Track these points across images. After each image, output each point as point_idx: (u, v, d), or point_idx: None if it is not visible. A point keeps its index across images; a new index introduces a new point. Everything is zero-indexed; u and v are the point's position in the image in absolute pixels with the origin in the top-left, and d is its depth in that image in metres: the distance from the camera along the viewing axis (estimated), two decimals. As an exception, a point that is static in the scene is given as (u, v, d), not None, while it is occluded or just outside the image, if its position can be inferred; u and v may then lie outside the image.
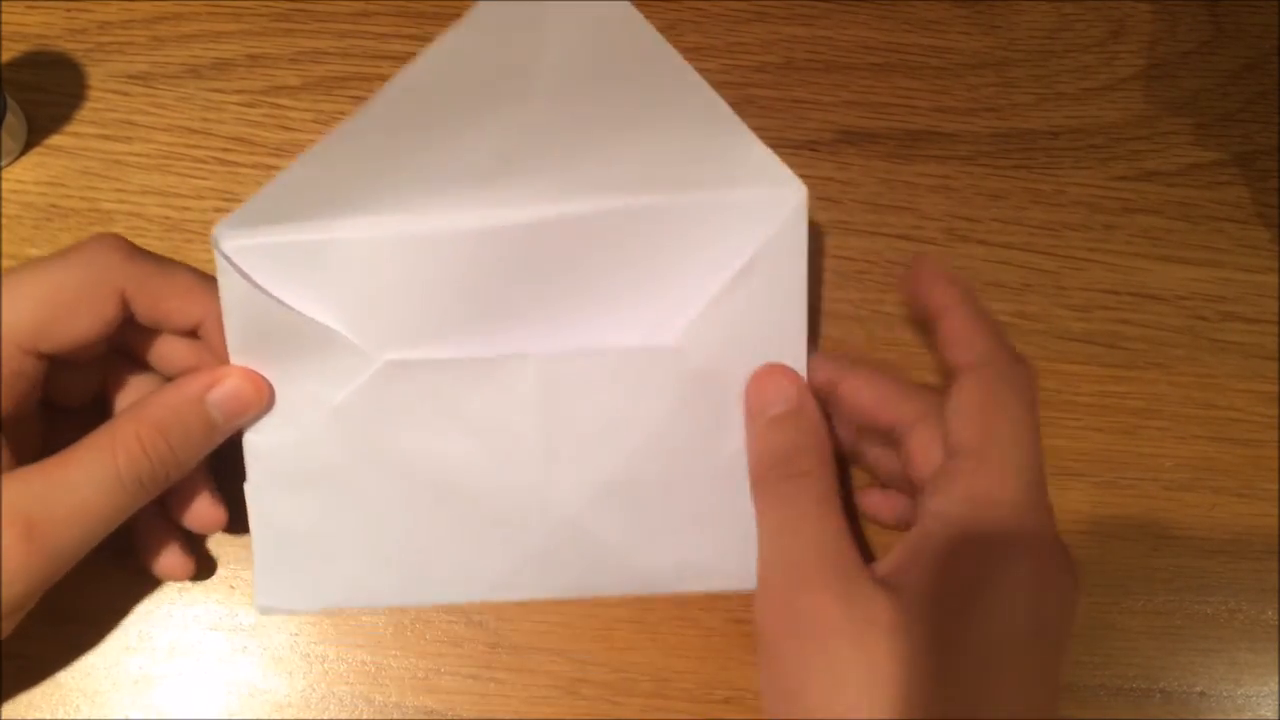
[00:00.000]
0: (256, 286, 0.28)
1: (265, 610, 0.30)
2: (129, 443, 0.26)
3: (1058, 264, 0.37)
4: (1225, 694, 0.34)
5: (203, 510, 0.30)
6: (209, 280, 0.28)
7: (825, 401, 0.31)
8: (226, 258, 0.28)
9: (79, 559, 0.26)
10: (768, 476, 0.29)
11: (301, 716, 0.31)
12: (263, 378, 0.29)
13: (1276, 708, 0.34)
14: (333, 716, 0.31)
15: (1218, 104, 0.40)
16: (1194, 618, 0.34)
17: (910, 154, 0.38)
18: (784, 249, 0.30)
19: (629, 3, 0.25)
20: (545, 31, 0.25)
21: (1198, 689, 0.34)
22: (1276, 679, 0.34)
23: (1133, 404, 0.36)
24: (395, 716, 0.31)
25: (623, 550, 0.31)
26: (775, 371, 0.30)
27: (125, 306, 0.28)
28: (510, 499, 0.30)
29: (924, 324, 0.29)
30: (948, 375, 0.29)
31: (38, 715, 0.30)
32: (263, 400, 0.29)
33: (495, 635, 0.32)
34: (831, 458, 0.29)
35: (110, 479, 0.26)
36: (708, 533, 0.31)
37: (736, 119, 0.29)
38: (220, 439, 0.29)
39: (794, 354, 0.30)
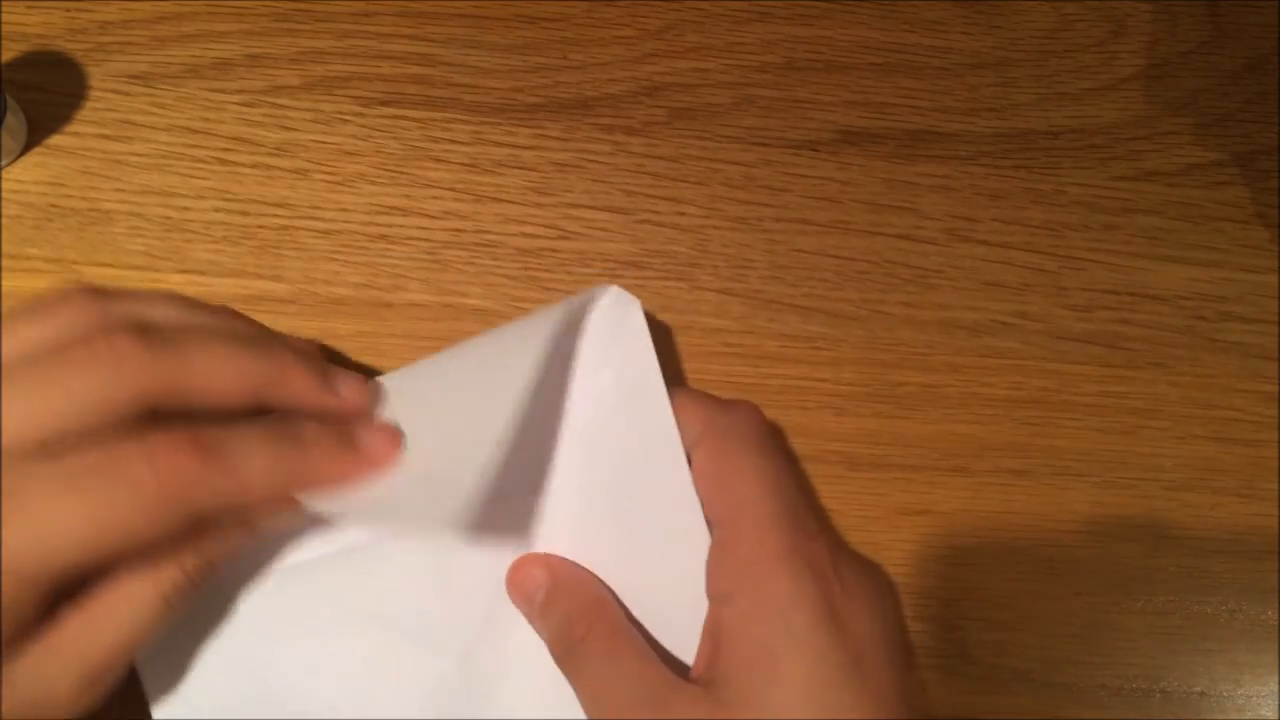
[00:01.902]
0: None
1: None
2: (175, 582, 0.24)
3: (1058, 264, 0.37)
4: (1225, 694, 0.34)
5: None
6: (244, 342, 0.25)
7: None
8: None
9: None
10: (559, 657, 0.28)
11: (302, 716, 0.31)
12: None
13: (1276, 708, 0.34)
14: (333, 716, 0.31)
15: (1218, 104, 0.40)
16: (1194, 618, 0.34)
17: (910, 154, 0.38)
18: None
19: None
20: None
21: (1198, 689, 0.34)
22: (1276, 679, 0.34)
23: (1133, 404, 0.36)
24: (395, 716, 0.31)
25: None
26: (520, 566, 0.29)
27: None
28: (427, 674, 0.29)
29: None
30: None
31: (38, 715, 0.30)
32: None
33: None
34: (604, 600, 0.28)
35: (154, 615, 0.24)
36: None
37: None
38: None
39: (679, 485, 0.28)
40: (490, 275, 0.35)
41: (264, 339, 0.27)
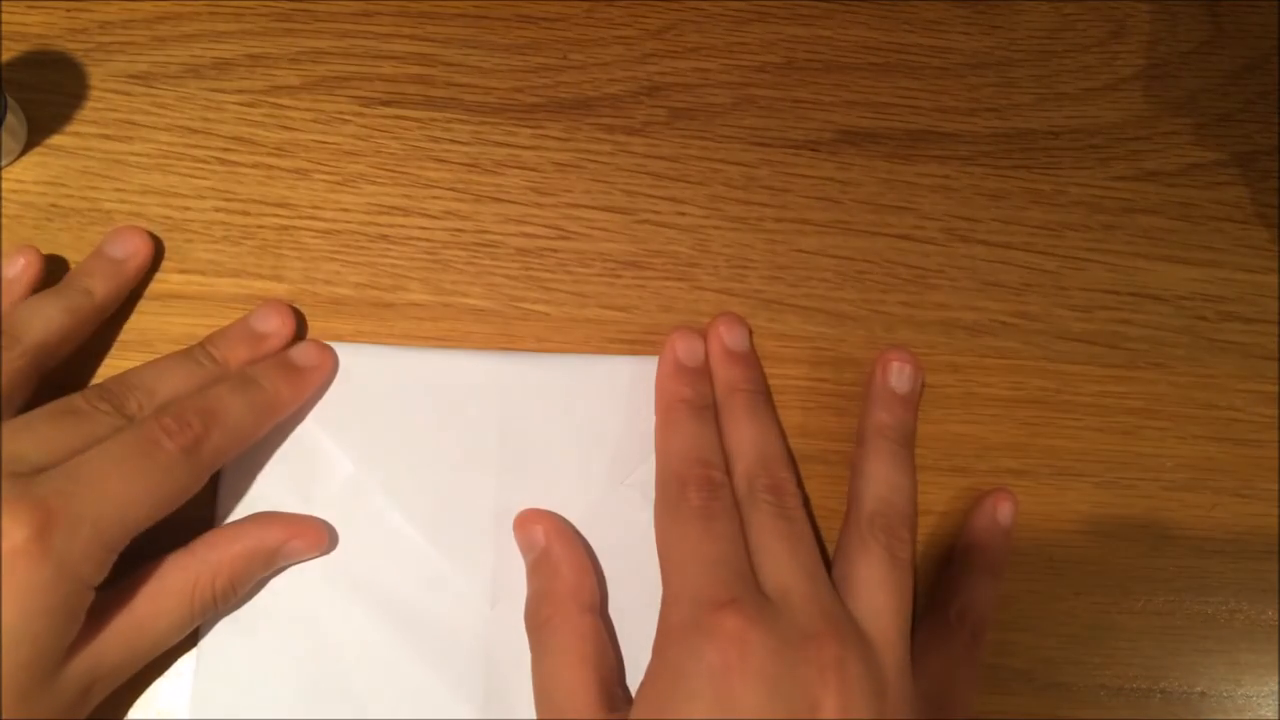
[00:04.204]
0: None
1: None
2: (204, 592, 0.29)
3: (1058, 264, 0.37)
4: (1225, 694, 0.34)
5: None
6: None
7: None
8: None
9: None
10: (526, 623, 0.31)
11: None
12: (325, 533, 0.31)
13: (1276, 708, 0.34)
14: (333, 716, 0.31)
15: (1218, 104, 0.40)
16: (1194, 618, 0.34)
17: (910, 154, 0.38)
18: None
19: None
20: None
21: (1198, 689, 0.34)
22: (1276, 679, 0.34)
23: (1133, 404, 0.36)
24: (396, 716, 0.31)
25: None
26: (526, 519, 0.32)
27: None
28: (455, 638, 0.31)
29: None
30: None
31: (38, 715, 0.30)
32: (319, 551, 0.31)
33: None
34: (578, 591, 0.30)
35: (183, 624, 0.29)
36: None
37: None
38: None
39: None
40: (490, 275, 0.35)
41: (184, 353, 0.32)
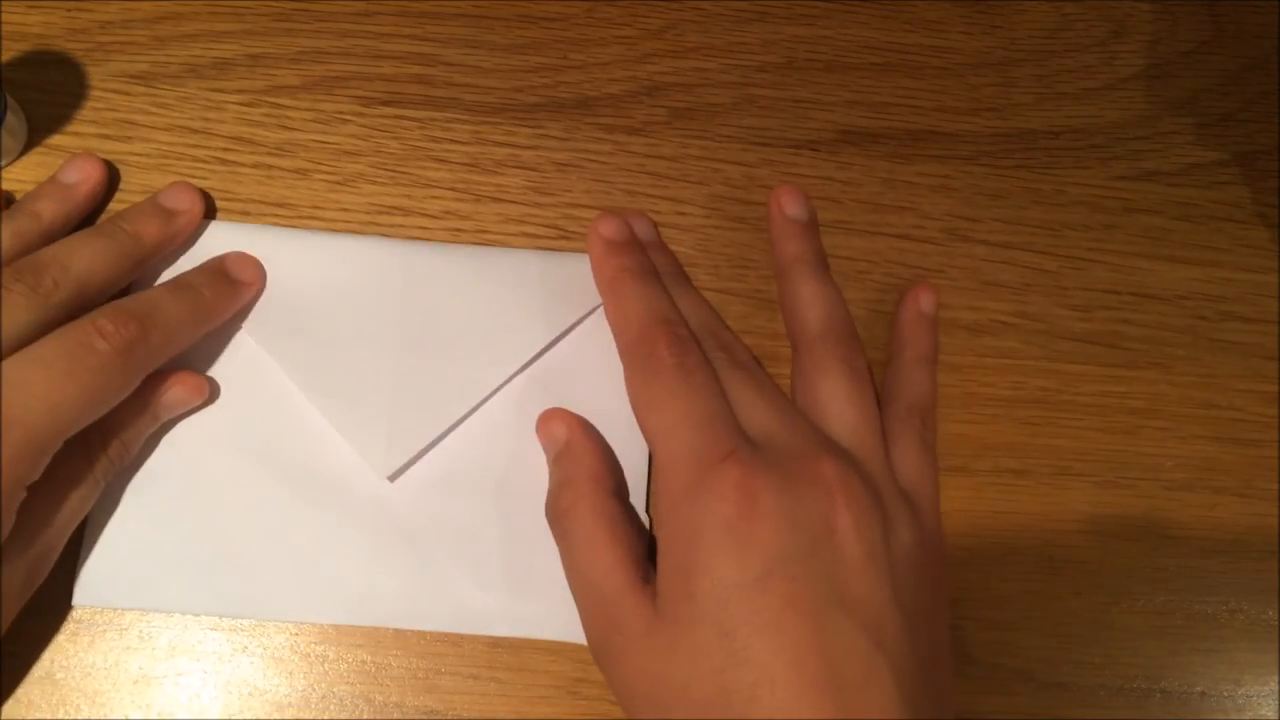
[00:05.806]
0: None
1: (80, 604, 0.31)
2: (99, 459, 0.30)
3: (1058, 264, 0.37)
4: (1225, 694, 0.34)
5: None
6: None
7: None
8: None
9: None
10: (548, 515, 0.31)
11: (301, 716, 0.31)
12: (204, 381, 0.32)
13: (1276, 708, 0.34)
14: (333, 716, 0.31)
15: (1218, 104, 0.40)
16: (1194, 618, 0.34)
17: (911, 154, 0.38)
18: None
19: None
20: None
21: (1198, 689, 0.34)
22: (1276, 679, 0.34)
23: (1133, 404, 0.36)
24: (395, 716, 0.31)
25: (458, 582, 0.31)
26: (549, 417, 0.32)
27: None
28: (348, 512, 0.32)
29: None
30: None
31: (38, 715, 0.30)
32: (201, 399, 0.32)
33: (496, 635, 0.32)
34: (600, 477, 0.30)
35: (91, 493, 0.30)
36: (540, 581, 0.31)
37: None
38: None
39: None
40: (490, 275, 0.35)
41: (109, 225, 0.32)
